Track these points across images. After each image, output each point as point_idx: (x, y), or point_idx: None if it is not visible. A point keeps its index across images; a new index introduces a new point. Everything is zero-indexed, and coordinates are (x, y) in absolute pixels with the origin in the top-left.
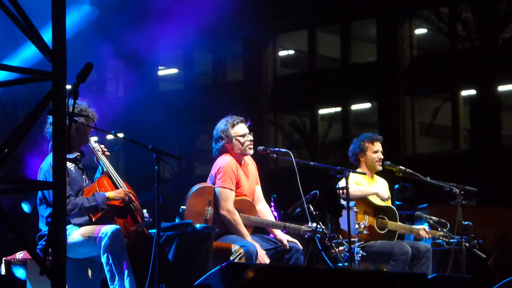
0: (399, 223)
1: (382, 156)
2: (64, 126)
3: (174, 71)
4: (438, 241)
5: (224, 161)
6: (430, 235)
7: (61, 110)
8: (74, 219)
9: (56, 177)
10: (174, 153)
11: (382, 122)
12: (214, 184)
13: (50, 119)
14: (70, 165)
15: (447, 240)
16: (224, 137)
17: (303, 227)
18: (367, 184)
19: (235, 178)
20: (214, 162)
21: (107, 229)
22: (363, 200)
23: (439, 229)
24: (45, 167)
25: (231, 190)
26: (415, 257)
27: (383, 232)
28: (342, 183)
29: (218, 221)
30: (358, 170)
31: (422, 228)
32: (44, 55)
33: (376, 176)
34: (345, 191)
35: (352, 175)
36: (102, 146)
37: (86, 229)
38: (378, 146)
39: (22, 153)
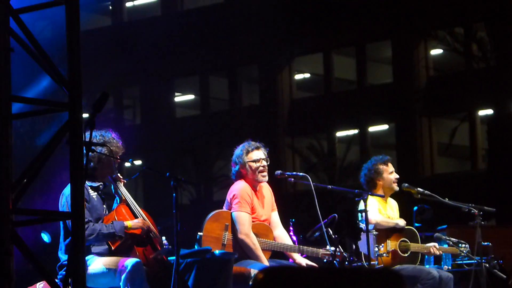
0: (421, 244)
1: (398, 176)
2: (80, 156)
3: (190, 97)
4: (458, 259)
5: (239, 187)
6: (440, 252)
7: (78, 140)
8: (94, 247)
9: (74, 207)
10: (192, 179)
11: (400, 143)
12: (230, 210)
13: None
14: (92, 193)
15: (470, 256)
16: (238, 163)
17: (321, 250)
18: (382, 209)
19: (251, 203)
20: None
21: (128, 262)
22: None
23: (460, 245)
24: (67, 192)
25: (248, 213)
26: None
27: (406, 255)
28: (361, 205)
29: (236, 246)
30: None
31: (433, 245)
32: (60, 86)
33: (388, 198)
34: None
35: (371, 201)
36: (118, 174)
37: (110, 260)
38: (391, 166)
39: (39, 182)
